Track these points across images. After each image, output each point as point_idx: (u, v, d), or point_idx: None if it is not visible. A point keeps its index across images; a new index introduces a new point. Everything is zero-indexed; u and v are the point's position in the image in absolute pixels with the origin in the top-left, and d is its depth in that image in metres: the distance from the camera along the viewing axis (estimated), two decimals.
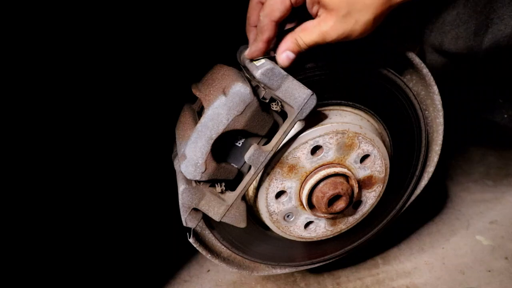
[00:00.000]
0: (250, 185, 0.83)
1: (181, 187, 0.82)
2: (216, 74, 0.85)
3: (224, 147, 0.80)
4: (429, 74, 0.97)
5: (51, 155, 1.17)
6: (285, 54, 0.78)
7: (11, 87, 1.01)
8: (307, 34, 0.76)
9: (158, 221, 1.41)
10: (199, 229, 0.97)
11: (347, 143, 0.88)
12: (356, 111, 0.93)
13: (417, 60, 0.94)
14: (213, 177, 0.79)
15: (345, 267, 1.26)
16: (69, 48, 1.08)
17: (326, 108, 0.90)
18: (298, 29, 0.77)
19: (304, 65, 0.84)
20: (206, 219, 0.91)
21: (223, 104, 0.74)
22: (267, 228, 0.98)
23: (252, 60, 0.81)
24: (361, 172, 0.94)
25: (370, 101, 0.94)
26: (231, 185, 0.83)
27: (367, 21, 0.72)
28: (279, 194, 0.90)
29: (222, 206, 0.83)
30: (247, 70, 0.82)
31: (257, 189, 0.89)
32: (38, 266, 1.17)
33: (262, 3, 0.79)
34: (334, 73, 0.88)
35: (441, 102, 1.01)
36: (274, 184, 0.88)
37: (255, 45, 0.79)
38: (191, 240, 0.94)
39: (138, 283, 1.24)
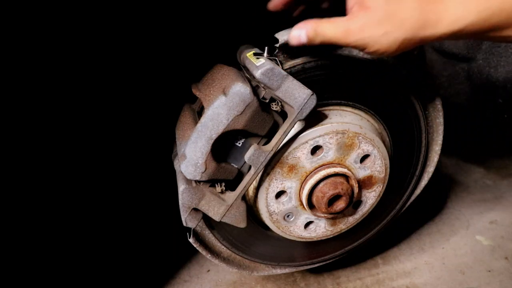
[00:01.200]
0: (250, 185, 0.83)
1: (181, 187, 0.82)
2: (216, 74, 0.85)
3: (224, 147, 0.80)
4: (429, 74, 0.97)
5: (52, 155, 1.17)
6: (298, 32, 0.70)
7: (11, 87, 1.01)
8: (331, 26, 0.68)
9: (158, 221, 1.41)
10: (199, 229, 0.97)
11: (347, 143, 0.88)
12: (356, 111, 0.93)
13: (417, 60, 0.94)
14: (213, 177, 0.79)
15: (345, 267, 1.26)
16: (69, 48, 1.08)
17: (326, 108, 0.90)
18: (324, 19, 0.70)
19: (304, 65, 0.85)
20: (206, 219, 0.91)
21: (223, 104, 0.74)
22: (267, 228, 0.98)
23: (251, 59, 0.81)
24: (361, 172, 0.94)
25: (370, 101, 0.94)
26: (231, 185, 0.83)
27: (396, 39, 0.65)
28: (279, 194, 0.90)
29: (222, 206, 0.83)
30: (247, 70, 0.82)
31: (257, 189, 0.89)
32: (38, 266, 1.17)
33: None
34: (334, 73, 0.88)
35: (441, 102, 1.01)
36: (274, 184, 0.88)
37: None
38: (191, 240, 0.94)
39: (138, 283, 1.24)
